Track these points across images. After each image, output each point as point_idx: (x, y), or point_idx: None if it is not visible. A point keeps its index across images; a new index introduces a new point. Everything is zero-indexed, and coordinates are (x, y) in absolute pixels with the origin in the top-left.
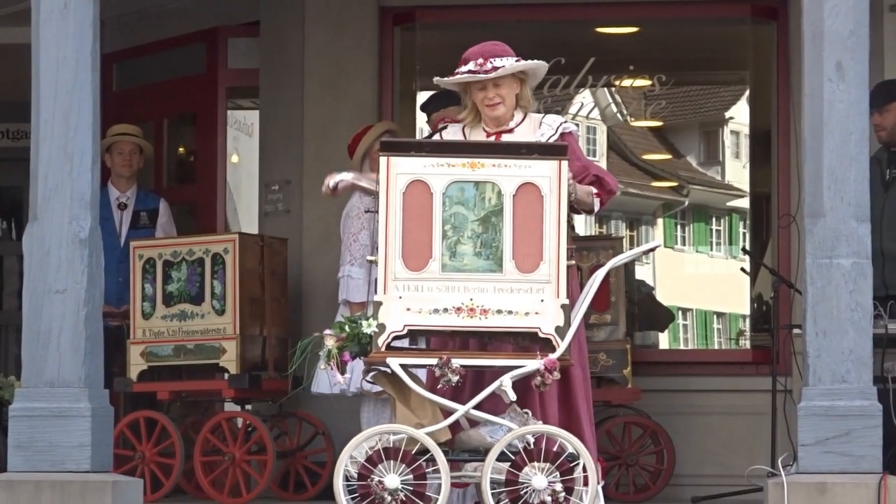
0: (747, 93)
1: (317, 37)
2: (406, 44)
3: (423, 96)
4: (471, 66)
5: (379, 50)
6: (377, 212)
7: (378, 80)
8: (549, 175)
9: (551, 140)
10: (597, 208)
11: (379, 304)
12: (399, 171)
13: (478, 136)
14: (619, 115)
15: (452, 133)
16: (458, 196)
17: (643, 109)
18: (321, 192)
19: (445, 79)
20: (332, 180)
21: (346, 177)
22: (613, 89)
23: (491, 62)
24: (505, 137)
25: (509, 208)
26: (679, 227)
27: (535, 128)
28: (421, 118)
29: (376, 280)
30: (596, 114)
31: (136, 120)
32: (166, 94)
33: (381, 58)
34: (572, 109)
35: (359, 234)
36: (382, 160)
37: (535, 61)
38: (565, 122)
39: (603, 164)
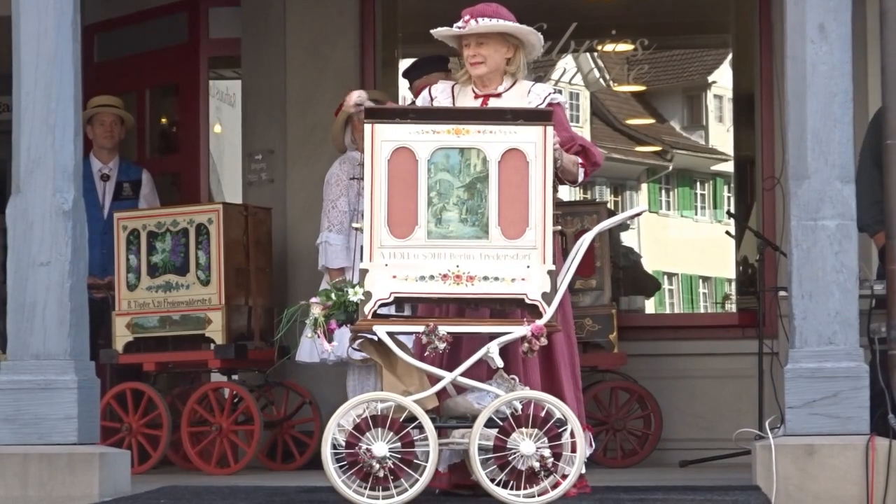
0: (730, 56)
1: (298, 4)
2: (388, 10)
3: (405, 64)
4: (459, 23)
5: (360, 17)
6: (362, 178)
7: (360, 47)
8: (534, 141)
9: (539, 106)
10: (581, 179)
11: (365, 271)
12: (384, 138)
13: (466, 96)
14: (601, 80)
15: (441, 91)
16: (444, 163)
17: (626, 74)
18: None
19: (436, 30)
20: (359, 96)
21: (363, 96)
22: (596, 54)
23: (476, 20)
24: (492, 102)
25: (495, 174)
26: (663, 191)
27: (524, 95)
28: (403, 85)
29: (362, 248)
30: (579, 79)
31: (118, 91)
32: (148, 65)
33: (362, 25)
34: (555, 75)
35: (337, 200)
36: (367, 127)
37: (520, 25)
38: (554, 92)
39: (587, 130)
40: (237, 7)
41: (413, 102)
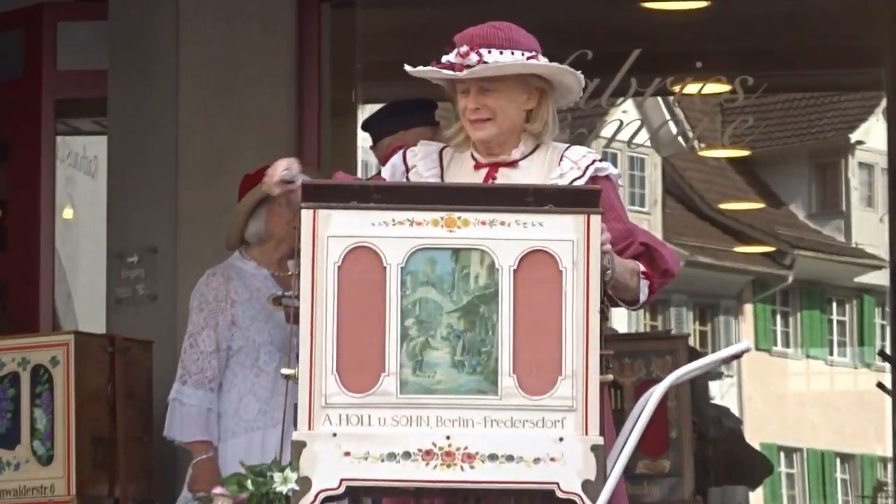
0: (883, 104)
1: (200, 19)
2: (341, 28)
3: (367, 112)
4: (451, 55)
5: (297, 36)
6: (297, 297)
7: (297, 84)
8: (571, 238)
9: (576, 183)
10: (644, 298)
11: (301, 445)
12: (332, 231)
13: (463, 166)
14: (680, 139)
15: (423, 157)
16: (427, 272)
17: (719, 131)
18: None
19: (416, 69)
20: (287, 171)
21: (302, 178)
22: (672, 100)
23: (478, 54)
24: (504, 176)
25: (508, 291)
26: (779, 317)
27: (553, 164)
28: (364, 143)
29: (295, 407)
30: (644, 138)
31: None
32: None
33: (300, 50)
34: (605, 132)
35: (199, 335)
36: (305, 215)
37: (554, 64)
38: (601, 159)
39: (656, 219)
40: (102, 21)
41: (378, 174)
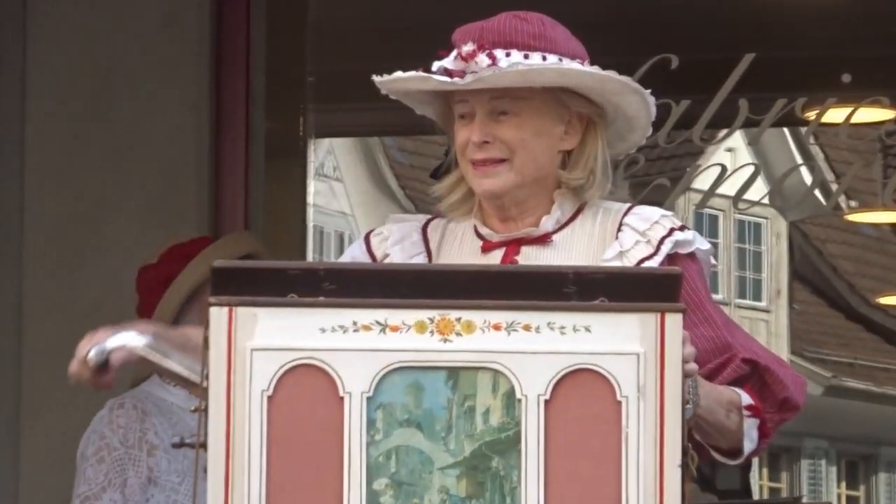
0: None
1: (60, 15)
2: (283, 23)
3: (322, 146)
4: (448, 59)
5: (214, 37)
6: (203, 445)
7: (210, 106)
8: (636, 350)
9: (645, 264)
10: (752, 446)
11: None
12: (258, 341)
13: (461, 248)
14: (818, 194)
15: (398, 242)
16: (409, 406)
17: (879, 182)
18: (68, 380)
19: (395, 75)
20: (95, 348)
21: (128, 342)
22: (804, 132)
23: (491, 56)
24: (528, 256)
25: (537, 435)
26: None
27: (607, 236)
28: (322, 207)
29: None
30: (760, 192)
31: None
32: None
33: (217, 55)
34: (699, 182)
35: (100, 496)
36: (216, 315)
37: (609, 73)
38: (682, 226)
39: (778, 316)
40: None
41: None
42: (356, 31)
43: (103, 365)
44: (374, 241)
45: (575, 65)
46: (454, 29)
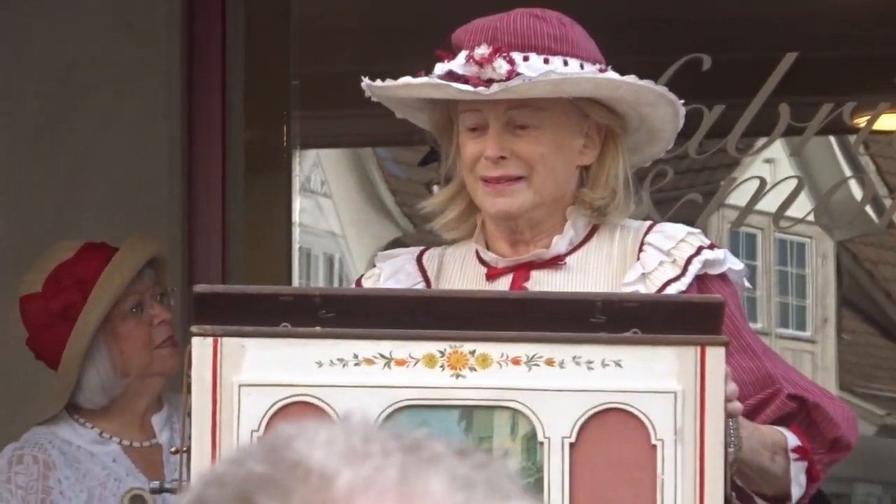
0: None
1: (12, 16)
2: (264, 21)
3: (308, 158)
4: (457, 62)
5: (185, 37)
6: (168, 491)
7: (183, 115)
8: (673, 388)
9: (673, 289)
10: (799, 492)
11: None
12: (245, 377)
13: (463, 276)
14: (870, 211)
15: (392, 276)
16: None
17: None
18: None
19: (387, 83)
20: None
21: None
22: (854, 140)
23: (509, 60)
24: (539, 282)
25: (561, 481)
26: None
27: (627, 256)
28: (310, 227)
29: None
30: (804, 209)
31: None
32: None
33: (190, 56)
34: (735, 198)
35: None
36: (199, 346)
37: (631, 78)
38: (711, 244)
39: (826, 346)
40: None
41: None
42: (346, 29)
43: None
44: (366, 284)
45: (612, 74)
46: (455, 27)
